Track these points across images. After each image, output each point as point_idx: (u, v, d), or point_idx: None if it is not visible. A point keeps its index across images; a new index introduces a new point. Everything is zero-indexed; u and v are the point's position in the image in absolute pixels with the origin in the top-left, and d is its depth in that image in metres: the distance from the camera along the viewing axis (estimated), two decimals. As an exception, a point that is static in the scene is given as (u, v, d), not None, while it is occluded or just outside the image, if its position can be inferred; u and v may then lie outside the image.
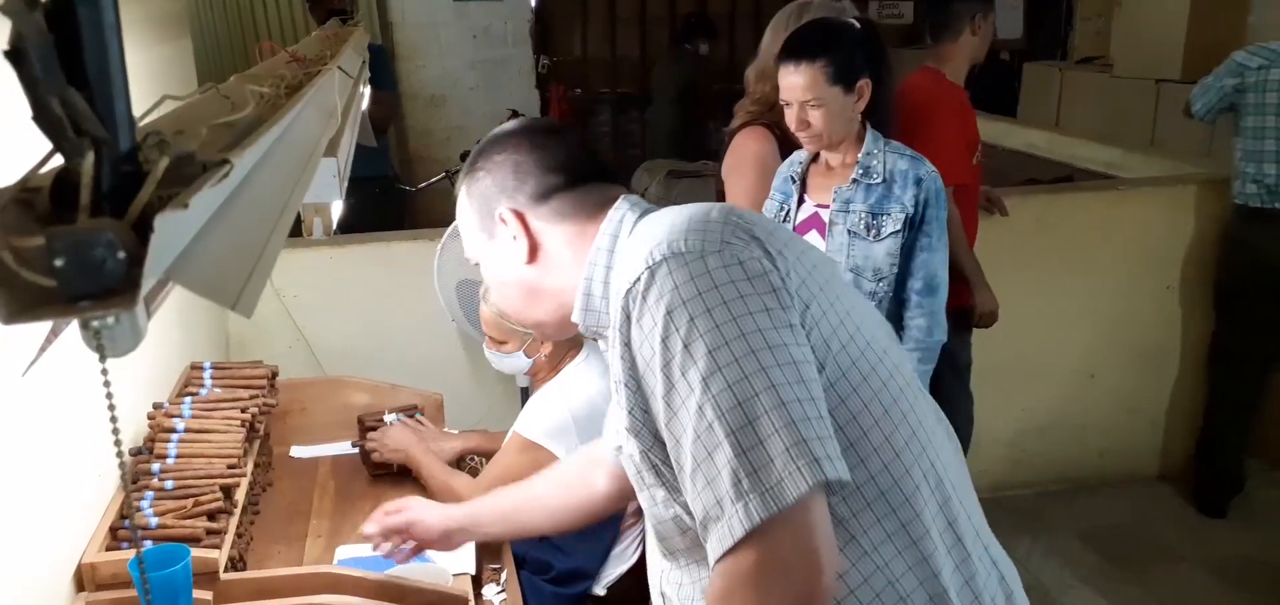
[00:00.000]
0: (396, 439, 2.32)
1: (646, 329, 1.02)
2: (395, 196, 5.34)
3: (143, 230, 0.42)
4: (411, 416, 2.48)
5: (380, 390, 2.73)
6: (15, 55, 0.43)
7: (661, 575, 1.28)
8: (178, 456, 1.91)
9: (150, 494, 1.81)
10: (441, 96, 7.13)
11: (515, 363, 2.29)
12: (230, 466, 1.92)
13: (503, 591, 2.05)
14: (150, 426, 2.01)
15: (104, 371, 0.47)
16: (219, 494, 1.83)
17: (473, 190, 1.27)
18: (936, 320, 2.31)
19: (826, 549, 0.96)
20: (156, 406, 2.07)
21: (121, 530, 1.76)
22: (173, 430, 1.96)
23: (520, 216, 1.22)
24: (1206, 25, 4.23)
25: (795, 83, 2.28)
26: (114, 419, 0.50)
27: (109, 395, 0.49)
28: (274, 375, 2.40)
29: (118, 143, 0.46)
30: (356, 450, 2.45)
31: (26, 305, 0.40)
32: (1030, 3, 6.78)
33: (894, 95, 3.03)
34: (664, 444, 1.05)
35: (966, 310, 2.98)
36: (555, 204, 1.22)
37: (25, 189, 0.45)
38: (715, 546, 0.98)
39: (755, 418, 0.95)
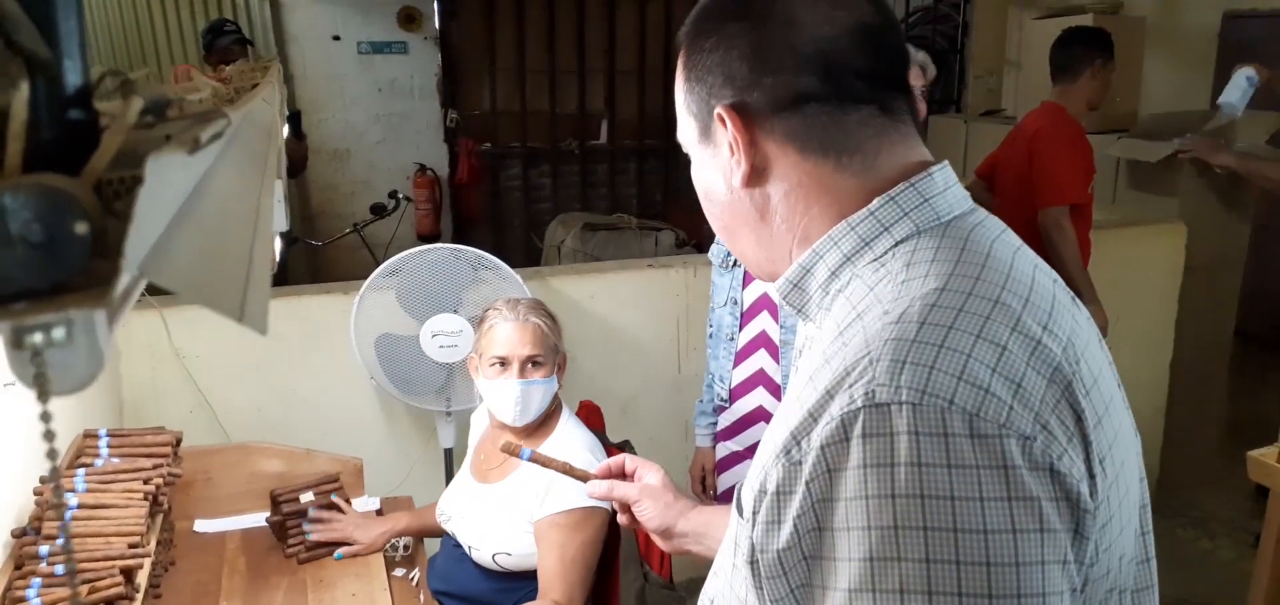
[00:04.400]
0: (339, 531, 2.22)
1: (852, 488, 0.70)
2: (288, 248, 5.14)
3: (104, 198, 0.28)
4: (328, 494, 2.29)
5: (294, 456, 2.52)
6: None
7: None
8: (71, 536, 1.69)
9: (38, 580, 1.58)
10: (345, 151, 6.90)
11: (542, 393, 2.11)
12: (132, 546, 1.70)
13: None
14: (37, 503, 1.78)
15: (46, 413, 0.32)
16: (119, 577, 1.62)
17: (692, 67, 0.89)
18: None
19: None
20: (44, 480, 1.84)
21: (3, 624, 1.53)
22: (64, 506, 1.74)
23: (746, 124, 0.85)
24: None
25: None
26: (54, 461, 0.35)
27: (51, 441, 0.33)
28: (178, 442, 2.17)
29: (64, 72, 0.32)
30: (267, 523, 2.26)
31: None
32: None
33: (1016, 132, 3.43)
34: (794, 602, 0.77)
35: None
36: (798, 123, 0.84)
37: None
38: None
39: None
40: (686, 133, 0.94)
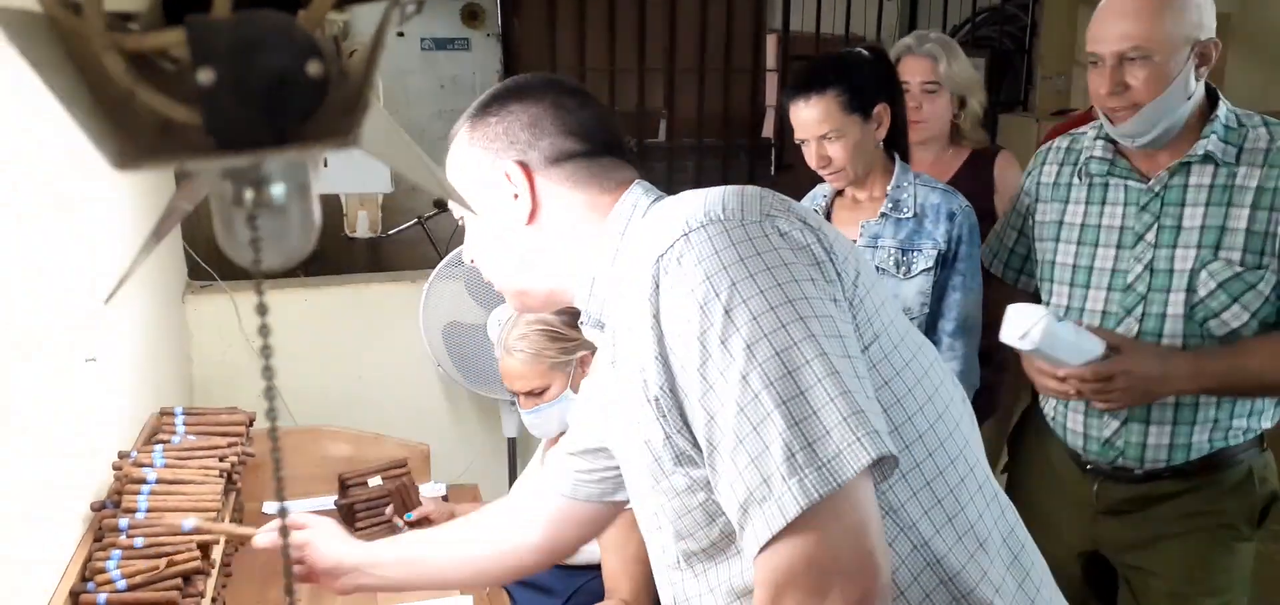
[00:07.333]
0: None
1: (681, 296, 0.93)
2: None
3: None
4: (397, 479, 2.28)
5: (362, 440, 2.52)
6: None
7: (675, 587, 1.15)
8: (149, 510, 1.69)
9: (118, 553, 1.59)
10: (406, 145, 6.95)
11: (560, 411, 2.01)
12: (208, 521, 1.70)
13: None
14: (117, 477, 1.79)
15: (259, 287, 0.29)
16: (196, 552, 1.62)
17: (476, 136, 1.14)
18: (970, 364, 2.16)
19: (880, 543, 0.88)
20: (123, 455, 1.85)
21: (84, 595, 1.53)
22: (143, 481, 1.74)
23: (527, 174, 1.11)
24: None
25: (808, 118, 2.13)
26: (271, 380, 0.32)
27: (267, 358, 0.30)
28: (251, 421, 2.18)
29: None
30: (335, 507, 2.26)
31: (149, 147, 0.22)
32: (988, 67, 6.86)
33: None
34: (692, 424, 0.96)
35: None
36: (568, 170, 1.12)
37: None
38: (760, 530, 0.87)
39: (808, 387, 0.87)
40: (469, 193, 1.14)
